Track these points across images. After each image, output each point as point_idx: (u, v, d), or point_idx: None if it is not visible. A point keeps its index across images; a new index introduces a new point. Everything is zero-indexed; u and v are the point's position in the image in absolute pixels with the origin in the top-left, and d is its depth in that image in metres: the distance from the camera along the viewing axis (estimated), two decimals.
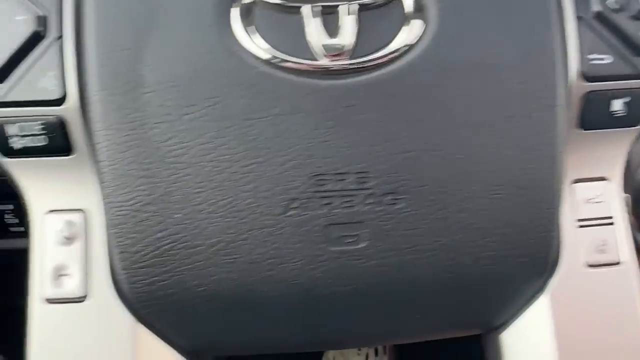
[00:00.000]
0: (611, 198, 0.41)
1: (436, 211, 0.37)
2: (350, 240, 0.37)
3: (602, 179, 0.41)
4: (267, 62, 0.37)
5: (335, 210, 0.37)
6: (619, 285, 0.40)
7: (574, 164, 0.40)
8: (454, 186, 0.37)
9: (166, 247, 0.37)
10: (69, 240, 0.38)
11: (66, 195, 0.39)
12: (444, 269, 0.38)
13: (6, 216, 0.67)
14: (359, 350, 1.05)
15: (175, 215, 0.37)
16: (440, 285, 0.38)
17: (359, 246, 0.37)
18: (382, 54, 0.37)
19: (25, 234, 0.69)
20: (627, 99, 0.39)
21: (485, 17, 0.38)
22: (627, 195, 0.47)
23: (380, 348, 1.03)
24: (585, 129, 0.40)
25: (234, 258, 0.37)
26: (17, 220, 0.67)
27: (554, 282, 0.39)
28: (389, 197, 0.37)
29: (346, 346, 0.44)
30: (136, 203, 0.37)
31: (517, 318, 0.40)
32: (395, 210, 0.37)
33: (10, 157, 0.38)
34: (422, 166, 0.37)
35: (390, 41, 0.37)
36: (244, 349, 0.42)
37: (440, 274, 0.38)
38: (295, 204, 0.37)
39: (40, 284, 0.38)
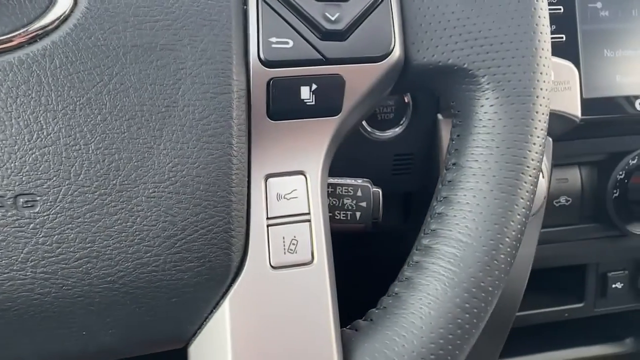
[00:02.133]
0: (309, 193, 0.38)
1: (84, 214, 0.33)
2: None
3: (299, 173, 0.38)
4: None
5: None
6: (306, 287, 0.37)
7: (267, 158, 0.37)
8: (103, 183, 0.33)
9: None
10: None
11: None
12: (101, 280, 0.33)
13: None
14: None
15: None
16: (100, 297, 0.34)
17: None
18: (21, 32, 0.32)
19: None
20: (314, 87, 0.37)
21: None
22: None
23: None
24: (274, 120, 0.37)
25: None
26: None
27: (236, 286, 0.36)
28: (23, 199, 0.32)
29: None
30: None
31: (203, 328, 0.37)
32: (32, 215, 0.32)
33: None
34: (63, 162, 0.32)
35: (35, 20, 0.32)
36: None
37: (97, 286, 0.33)
38: None
39: None
